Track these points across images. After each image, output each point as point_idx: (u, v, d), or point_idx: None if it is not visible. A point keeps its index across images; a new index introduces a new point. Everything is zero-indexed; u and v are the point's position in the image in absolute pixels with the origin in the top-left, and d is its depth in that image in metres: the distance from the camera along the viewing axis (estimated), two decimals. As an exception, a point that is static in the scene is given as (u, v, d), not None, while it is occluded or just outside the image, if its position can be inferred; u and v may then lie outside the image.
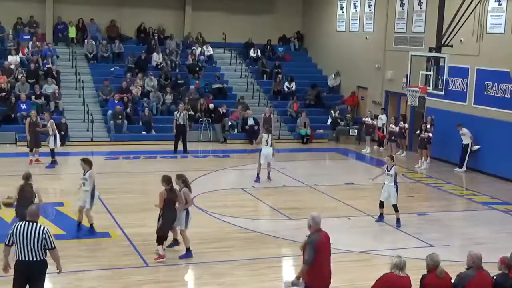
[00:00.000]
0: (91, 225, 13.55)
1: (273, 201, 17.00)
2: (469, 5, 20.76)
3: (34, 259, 8.66)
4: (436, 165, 22.48)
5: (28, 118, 20.96)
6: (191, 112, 25.68)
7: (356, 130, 26.88)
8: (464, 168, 21.54)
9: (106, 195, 15.51)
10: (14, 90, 25.22)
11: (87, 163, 13.50)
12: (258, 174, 18.98)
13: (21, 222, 8.83)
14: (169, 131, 24.12)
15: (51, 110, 24.11)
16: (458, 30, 20.68)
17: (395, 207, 14.99)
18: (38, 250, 8.65)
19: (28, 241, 8.60)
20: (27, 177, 12.22)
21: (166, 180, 12.00)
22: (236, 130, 26.67)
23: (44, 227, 8.74)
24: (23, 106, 24.52)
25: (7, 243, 8.77)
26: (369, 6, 27.87)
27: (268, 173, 19.14)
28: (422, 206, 17.19)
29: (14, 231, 8.70)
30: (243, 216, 15.28)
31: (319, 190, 18.39)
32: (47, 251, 8.75)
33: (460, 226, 15.74)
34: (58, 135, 20.80)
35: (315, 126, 27.31)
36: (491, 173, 21.04)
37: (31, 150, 20.52)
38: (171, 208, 11.97)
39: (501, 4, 20.80)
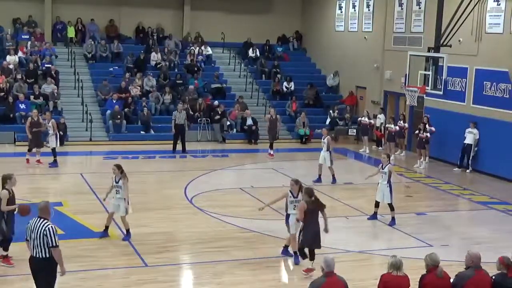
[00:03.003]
0: (127, 230, 13.30)
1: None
2: (467, 5, 20.76)
3: (38, 255, 8.75)
4: (435, 164, 22.50)
5: (29, 118, 20.86)
6: (190, 112, 25.70)
7: (355, 130, 26.90)
8: (470, 169, 21.48)
9: (105, 195, 15.45)
10: (13, 90, 25.20)
11: (121, 169, 13.12)
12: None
13: (35, 218, 8.95)
14: (168, 131, 24.14)
15: (50, 110, 24.08)
16: (457, 30, 20.69)
17: (390, 206, 15.01)
18: (41, 247, 8.71)
19: (34, 237, 8.75)
20: (2, 179, 11.45)
21: (308, 192, 11.81)
22: (235, 130, 26.68)
23: (47, 224, 8.77)
24: (22, 106, 24.52)
25: (25, 237, 9.01)
26: (368, 6, 27.87)
27: (333, 175, 19.43)
28: (420, 206, 17.20)
29: (28, 225, 8.92)
30: (242, 216, 15.28)
31: (318, 190, 18.22)
32: (50, 249, 8.77)
33: (459, 225, 15.74)
34: (58, 135, 20.84)
35: (314, 126, 27.29)
36: (489, 172, 21.05)
37: (29, 150, 20.45)
38: (313, 221, 11.66)
39: (499, 4, 20.82)
